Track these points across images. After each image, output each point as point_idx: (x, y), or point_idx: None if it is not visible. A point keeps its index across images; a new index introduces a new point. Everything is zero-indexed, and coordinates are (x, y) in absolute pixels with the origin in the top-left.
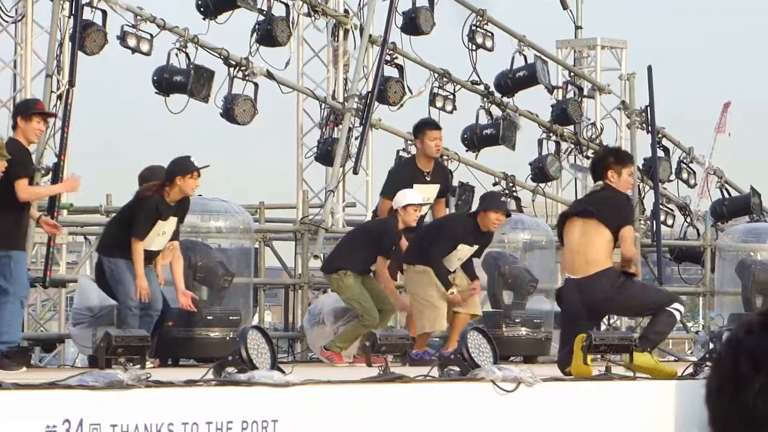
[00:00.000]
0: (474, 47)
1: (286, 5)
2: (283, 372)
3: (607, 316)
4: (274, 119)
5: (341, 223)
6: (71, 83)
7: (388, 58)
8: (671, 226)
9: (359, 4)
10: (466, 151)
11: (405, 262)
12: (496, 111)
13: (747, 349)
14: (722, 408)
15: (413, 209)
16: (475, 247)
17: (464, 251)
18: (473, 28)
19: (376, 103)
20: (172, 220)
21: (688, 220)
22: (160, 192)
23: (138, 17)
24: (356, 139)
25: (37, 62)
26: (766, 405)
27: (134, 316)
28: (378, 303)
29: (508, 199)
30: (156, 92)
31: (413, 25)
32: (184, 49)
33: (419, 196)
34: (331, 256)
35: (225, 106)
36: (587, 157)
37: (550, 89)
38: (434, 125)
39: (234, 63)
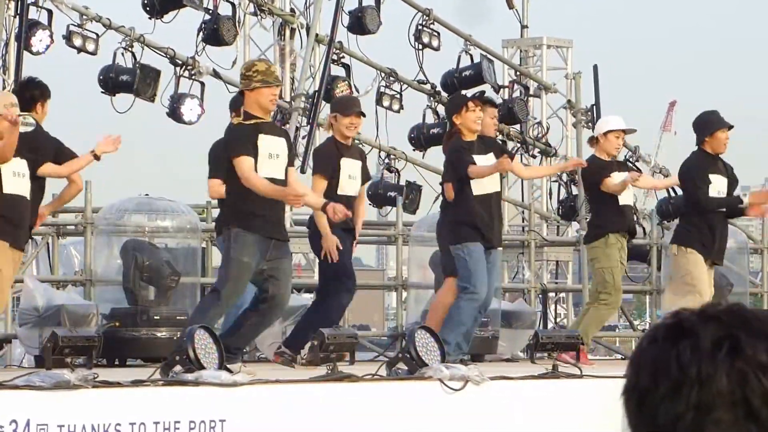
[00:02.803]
0: (420, 46)
1: (233, 4)
2: (230, 372)
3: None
4: (220, 118)
5: (288, 222)
6: (17, 83)
7: (334, 57)
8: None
9: (305, 4)
10: (414, 150)
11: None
12: (442, 110)
13: (648, 359)
14: (631, 415)
15: (615, 136)
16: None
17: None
18: (419, 27)
19: (323, 103)
20: None
21: (635, 218)
22: None
23: (84, 17)
24: (303, 138)
25: None
26: (668, 413)
27: None
28: None
29: None
30: (102, 92)
31: (360, 24)
32: (130, 49)
33: (621, 121)
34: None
35: (171, 106)
36: (533, 156)
37: (497, 88)
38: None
39: (180, 62)
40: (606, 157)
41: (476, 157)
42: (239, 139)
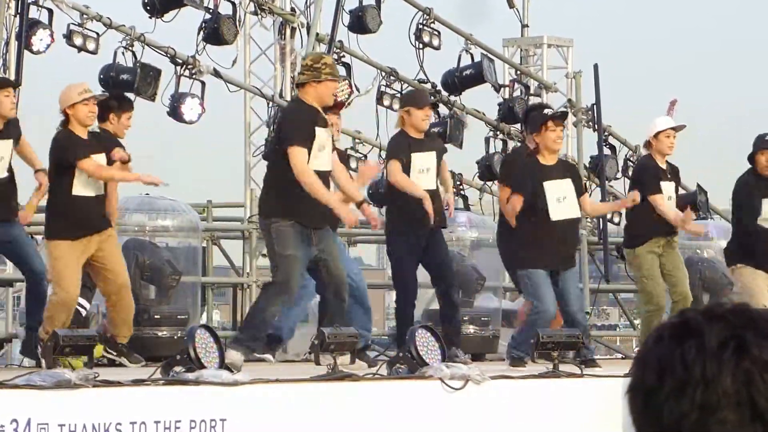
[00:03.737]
0: (421, 46)
1: (233, 3)
2: (231, 371)
3: None
4: (221, 118)
5: None
6: (17, 82)
7: (335, 56)
8: (618, 224)
9: (306, 3)
10: None
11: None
12: (443, 109)
13: (653, 358)
14: (636, 414)
15: (665, 136)
16: None
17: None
18: (420, 26)
19: None
20: None
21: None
22: None
23: (84, 16)
24: None
25: None
26: (673, 412)
27: None
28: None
29: (456, 198)
30: (102, 91)
31: (360, 23)
32: (130, 48)
33: (669, 120)
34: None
35: (172, 105)
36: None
37: (497, 87)
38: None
39: (181, 61)
40: (660, 158)
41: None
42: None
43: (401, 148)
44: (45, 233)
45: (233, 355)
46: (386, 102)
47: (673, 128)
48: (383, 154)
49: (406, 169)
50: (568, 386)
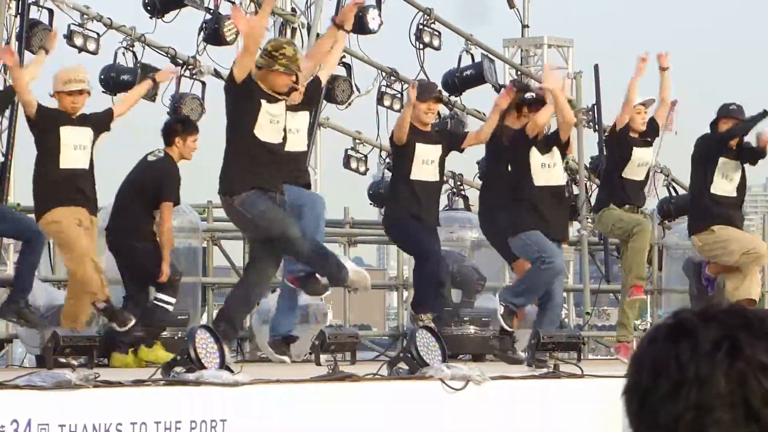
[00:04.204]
0: (421, 46)
1: (234, 4)
2: (231, 371)
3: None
4: (221, 118)
5: None
6: None
7: None
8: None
9: (306, 3)
10: None
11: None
12: (443, 110)
13: (648, 359)
14: (632, 415)
15: (636, 112)
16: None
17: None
18: (420, 27)
19: (324, 102)
20: None
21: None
22: None
23: (85, 16)
24: None
25: None
26: (668, 413)
27: None
28: None
29: (456, 198)
30: (103, 91)
31: (361, 23)
32: (131, 48)
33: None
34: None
35: (172, 105)
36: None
37: (498, 88)
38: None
39: (181, 62)
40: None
41: None
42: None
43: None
44: (36, 211)
45: None
46: (387, 102)
47: (642, 103)
48: (383, 154)
49: (410, 159)
50: (568, 387)
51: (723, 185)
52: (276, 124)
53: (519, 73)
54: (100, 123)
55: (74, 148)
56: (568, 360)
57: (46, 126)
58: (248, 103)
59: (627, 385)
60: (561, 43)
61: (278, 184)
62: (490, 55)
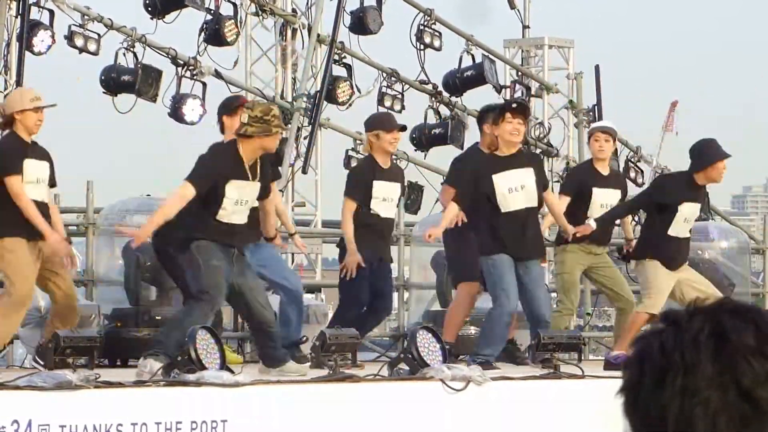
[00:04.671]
0: (422, 47)
1: (234, 4)
2: (232, 372)
3: None
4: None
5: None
6: (19, 83)
7: (336, 57)
8: (618, 226)
9: (307, 4)
10: (415, 150)
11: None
12: (444, 110)
13: (635, 352)
14: (627, 415)
15: (594, 139)
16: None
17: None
18: (421, 27)
19: (325, 103)
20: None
21: (636, 219)
22: None
23: (85, 17)
24: (305, 138)
25: None
26: (656, 404)
27: None
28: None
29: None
30: (104, 92)
31: (361, 24)
32: (131, 49)
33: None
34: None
35: (173, 106)
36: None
37: (498, 88)
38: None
39: (182, 62)
40: (598, 162)
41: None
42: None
43: (362, 179)
44: None
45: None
46: (387, 103)
47: (602, 131)
48: None
49: (368, 197)
50: (569, 387)
51: None
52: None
53: (520, 73)
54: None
55: (37, 181)
56: (569, 361)
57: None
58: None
59: (620, 385)
60: (562, 43)
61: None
62: (490, 56)
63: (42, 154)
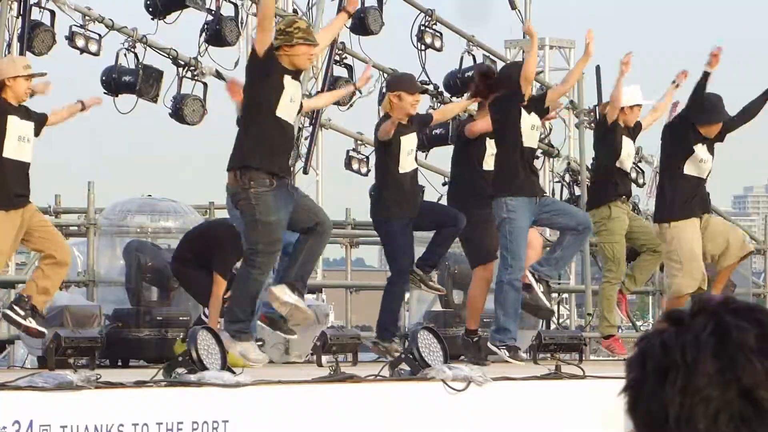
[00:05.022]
0: (423, 47)
1: (235, 5)
2: (233, 372)
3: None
4: (223, 119)
5: None
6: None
7: (337, 58)
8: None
9: (308, 4)
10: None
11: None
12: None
13: (638, 351)
14: (630, 414)
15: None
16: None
17: None
18: (422, 28)
19: None
20: None
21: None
22: None
23: (86, 17)
24: (306, 139)
25: None
26: (658, 401)
27: None
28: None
29: None
30: (105, 92)
31: (362, 25)
32: (132, 49)
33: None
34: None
35: (174, 106)
36: (536, 157)
37: None
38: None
39: (183, 63)
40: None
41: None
42: None
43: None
44: None
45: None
46: None
47: (639, 105)
48: None
49: (397, 152)
50: (570, 387)
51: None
52: (292, 102)
53: None
54: (38, 124)
55: (19, 139)
56: (570, 361)
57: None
58: (269, 80)
59: (623, 385)
60: (563, 44)
61: (287, 167)
62: (491, 56)
63: (28, 115)
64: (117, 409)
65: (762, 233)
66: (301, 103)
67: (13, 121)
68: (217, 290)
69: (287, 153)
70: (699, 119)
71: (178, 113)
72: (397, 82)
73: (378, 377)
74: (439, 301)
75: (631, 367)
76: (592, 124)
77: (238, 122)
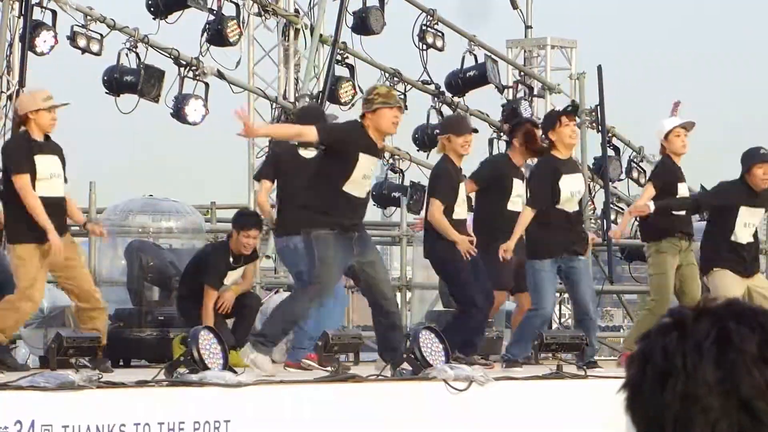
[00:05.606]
0: (424, 47)
1: (237, 5)
2: (235, 372)
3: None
4: (225, 119)
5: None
6: (21, 83)
7: (339, 57)
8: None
9: (310, 4)
10: (418, 150)
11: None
12: (446, 110)
13: (638, 351)
14: (629, 412)
15: (675, 135)
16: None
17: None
18: (423, 27)
19: (327, 103)
20: None
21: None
22: None
23: (88, 17)
24: None
25: None
26: (656, 404)
27: None
28: None
29: None
30: (106, 92)
31: (364, 24)
32: (134, 49)
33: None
34: None
35: (175, 106)
36: None
37: (501, 89)
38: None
39: (184, 63)
40: (677, 158)
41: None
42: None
43: (449, 182)
44: (8, 238)
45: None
46: None
47: (682, 126)
48: (387, 155)
49: (455, 198)
50: (571, 387)
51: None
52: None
53: (522, 74)
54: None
55: (50, 177)
56: (572, 361)
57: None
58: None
59: (622, 382)
60: (564, 44)
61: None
62: (493, 56)
63: (53, 149)
64: (118, 409)
65: (763, 233)
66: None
67: (41, 161)
68: (207, 301)
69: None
70: None
71: (179, 113)
72: (447, 125)
73: (380, 377)
74: (441, 301)
75: (632, 365)
76: (594, 124)
77: None
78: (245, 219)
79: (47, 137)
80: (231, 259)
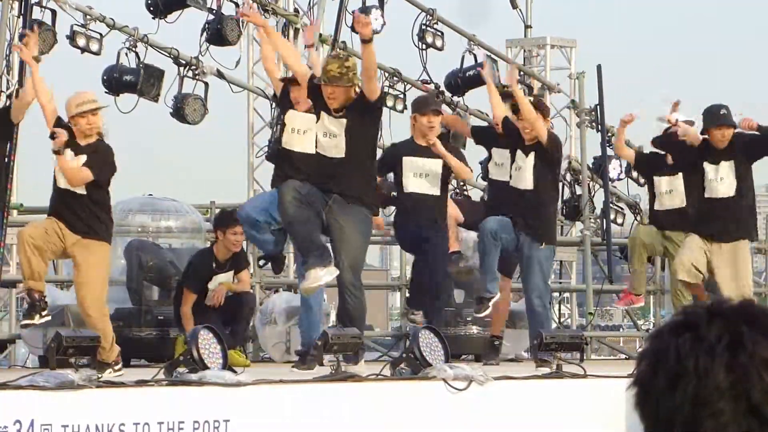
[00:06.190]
0: (424, 46)
1: (236, 4)
2: (234, 372)
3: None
4: (224, 119)
5: None
6: (21, 83)
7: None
8: (621, 225)
9: (309, 4)
10: None
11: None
12: (446, 110)
13: (650, 351)
14: (638, 411)
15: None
16: None
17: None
18: (423, 27)
19: None
20: None
21: (638, 218)
22: None
23: (87, 17)
24: None
25: None
26: (667, 405)
27: None
28: None
29: (459, 198)
30: (106, 92)
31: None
32: (133, 49)
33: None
34: None
35: (175, 106)
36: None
37: (501, 88)
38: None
39: (184, 62)
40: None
41: None
42: None
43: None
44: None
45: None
46: (390, 103)
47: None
48: None
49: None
50: (571, 387)
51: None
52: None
53: (522, 73)
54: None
55: None
56: (571, 360)
57: None
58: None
59: (632, 380)
60: (564, 43)
61: None
62: (492, 56)
63: (83, 150)
64: (118, 409)
65: (763, 233)
66: None
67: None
68: (183, 303)
69: None
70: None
71: (179, 113)
72: (412, 104)
73: (379, 376)
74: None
75: (643, 362)
76: (593, 123)
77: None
78: (228, 217)
79: (90, 139)
80: (214, 264)
